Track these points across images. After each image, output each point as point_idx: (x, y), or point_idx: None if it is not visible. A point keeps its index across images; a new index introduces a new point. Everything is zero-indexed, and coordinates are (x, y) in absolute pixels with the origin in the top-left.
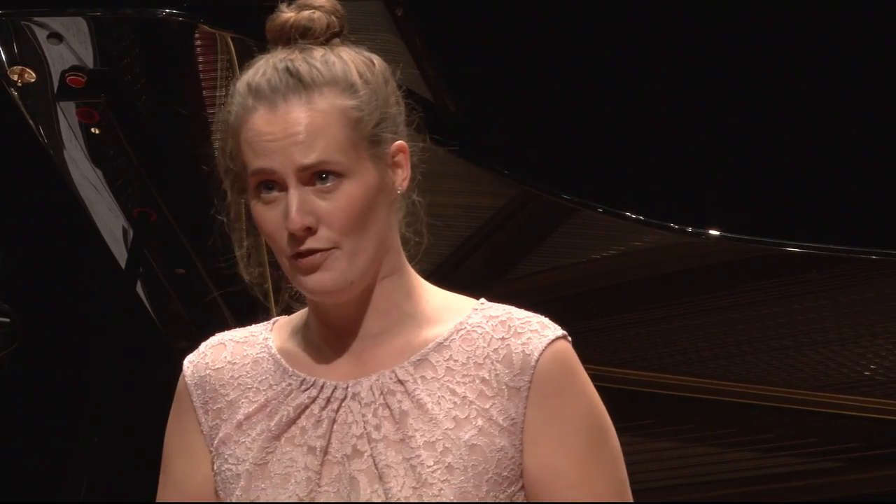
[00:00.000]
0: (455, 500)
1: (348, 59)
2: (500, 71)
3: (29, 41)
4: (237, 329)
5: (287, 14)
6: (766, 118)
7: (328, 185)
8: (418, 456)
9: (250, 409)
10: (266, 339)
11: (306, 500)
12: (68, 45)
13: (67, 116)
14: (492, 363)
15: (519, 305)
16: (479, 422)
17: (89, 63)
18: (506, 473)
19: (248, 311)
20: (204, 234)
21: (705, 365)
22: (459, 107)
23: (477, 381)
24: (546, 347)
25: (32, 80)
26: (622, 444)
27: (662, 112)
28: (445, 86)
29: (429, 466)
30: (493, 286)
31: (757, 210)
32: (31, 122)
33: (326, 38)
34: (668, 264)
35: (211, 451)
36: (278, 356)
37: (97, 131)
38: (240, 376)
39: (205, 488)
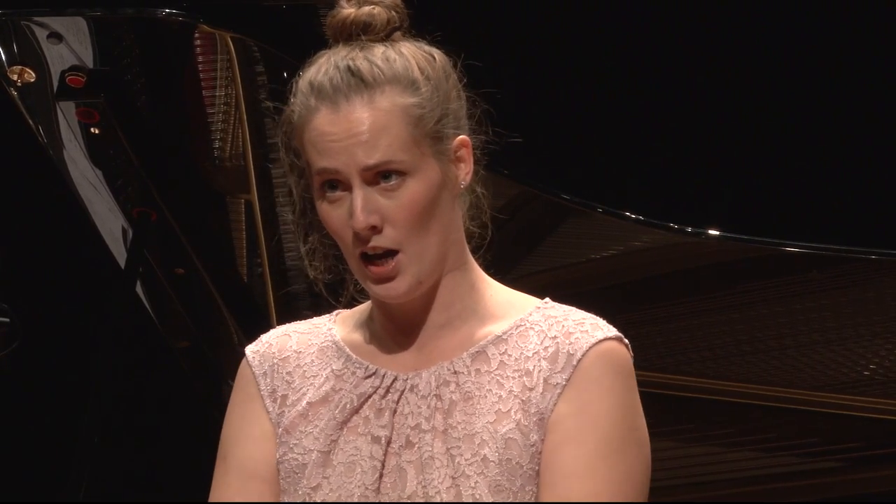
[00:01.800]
0: (489, 493)
1: (409, 55)
2: (499, 71)
3: (29, 41)
4: (298, 322)
5: (347, 10)
6: (766, 118)
7: (392, 183)
8: (458, 447)
9: (315, 397)
10: (330, 329)
11: (371, 488)
12: (68, 45)
13: (67, 116)
14: (539, 359)
15: None
16: (518, 416)
17: (89, 63)
18: (538, 468)
19: (249, 311)
20: (204, 234)
21: (705, 365)
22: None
23: (522, 375)
24: (591, 347)
25: (32, 80)
26: None
27: (662, 112)
28: None
29: (466, 458)
30: None
31: (757, 210)
32: (30, 121)
33: (387, 33)
34: (668, 264)
35: (276, 439)
36: (342, 344)
37: (97, 131)
38: (304, 364)
39: (276, 471)
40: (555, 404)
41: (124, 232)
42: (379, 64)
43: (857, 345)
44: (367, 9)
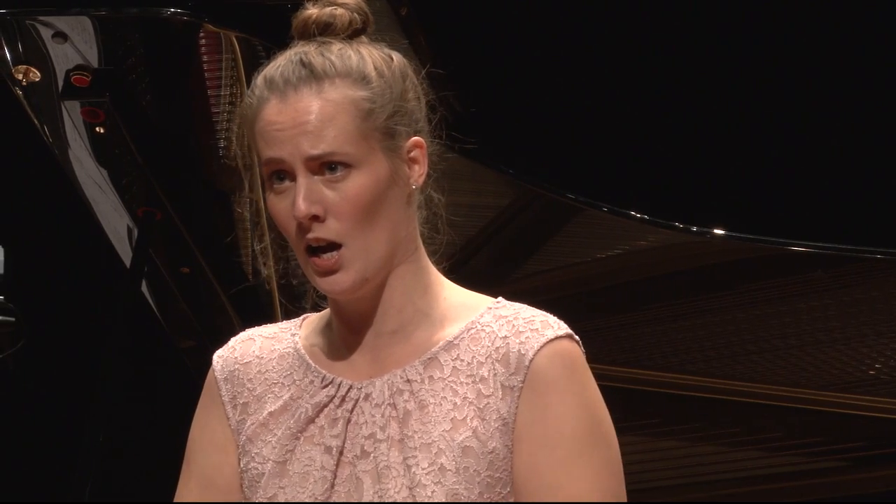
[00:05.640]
0: (446, 501)
1: (365, 54)
2: (505, 70)
3: (34, 40)
4: (267, 325)
5: (310, 11)
6: (771, 117)
7: (337, 174)
8: (414, 457)
9: (275, 406)
10: (294, 334)
11: (322, 498)
12: (73, 45)
13: (72, 116)
14: (492, 362)
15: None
16: (475, 423)
17: (94, 62)
18: (498, 475)
19: (254, 310)
20: (209, 233)
21: (710, 364)
22: (464, 106)
23: (477, 380)
24: (542, 346)
25: (37, 80)
26: (627, 444)
27: (667, 111)
28: (450, 85)
29: (423, 468)
30: (497, 286)
31: (762, 209)
32: (35, 121)
33: (348, 35)
34: (673, 263)
35: (238, 447)
36: (303, 351)
37: (102, 130)
38: (266, 371)
39: (235, 480)
40: (517, 408)
41: (129, 231)
42: (332, 58)
43: (862, 344)
44: (329, 9)
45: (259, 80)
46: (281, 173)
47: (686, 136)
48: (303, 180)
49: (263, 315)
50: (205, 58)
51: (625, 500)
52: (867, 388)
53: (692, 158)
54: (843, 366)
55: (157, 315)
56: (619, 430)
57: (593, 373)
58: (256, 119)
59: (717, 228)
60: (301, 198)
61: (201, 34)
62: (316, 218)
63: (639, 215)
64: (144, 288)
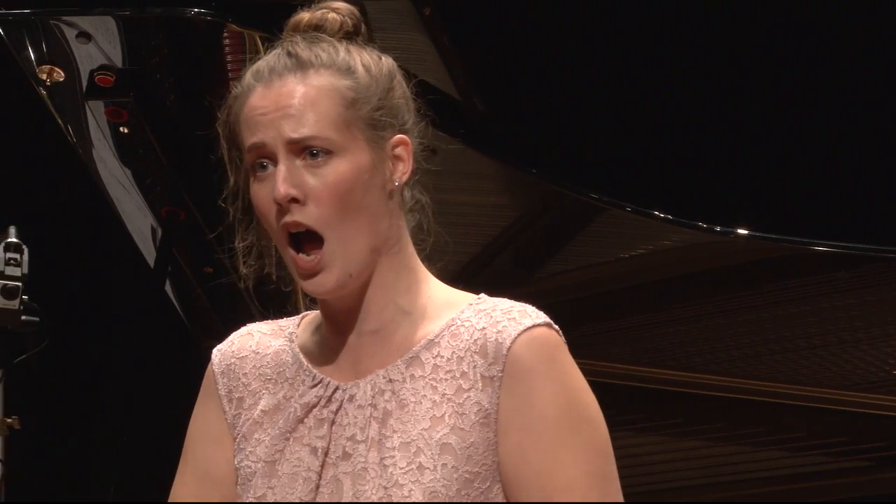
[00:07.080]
0: (424, 500)
1: (353, 51)
2: (528, 70)
3: (58, 40)
4: (266, 321)
5: (303, 14)
6: (795, 118)
7: (318, 160)
8: (392, 457)
9: (269, 405)
10: (292, 332)
11: (308, 499)
12: (97, 45)
13: (96, 115)
14: (471, 355)
15: (546, 304)
16: (453, 420)
17: (118, 62)
18: (476, 469)
19: (277, 309)
20: (232, 233)
21: (733, 364)
22: (487, 106)
23: (457, 376)
24: (519, 334)
25: (61, 80)
26: (650, 444)
27: (691, 111)
28: (473, 84)
29: (401, 467)
30: (520, 285)
31: (785, 209)
32: (59, 121)
33: (339, 37)
34: (697, 263)
35: (234, 442)
36: (297, 349)
37: (126, 130)
38: (261, 367)
39: (230, 473)
40: (498, 398)
41: (153, 231)
42: (318, 51)
43: (886, 344)
44: (320, 13)
45: (247, 74)
46: (264, 160)
47: (710, 136)
48: (284, 163)
49: (287, 313)
50: (228, 58)
51: (615, 479)
52: (891, 388)
53: (716, 158)
54: (867, 366)
55: (181, 314)
56: (643, 430)
57: (617, 372)
58: (242, 109)
59: (741, 228)
60: (281, 179)
61: (225, 34)
62: (295, 201)
63: (662, 215)
64: (168, 287)
